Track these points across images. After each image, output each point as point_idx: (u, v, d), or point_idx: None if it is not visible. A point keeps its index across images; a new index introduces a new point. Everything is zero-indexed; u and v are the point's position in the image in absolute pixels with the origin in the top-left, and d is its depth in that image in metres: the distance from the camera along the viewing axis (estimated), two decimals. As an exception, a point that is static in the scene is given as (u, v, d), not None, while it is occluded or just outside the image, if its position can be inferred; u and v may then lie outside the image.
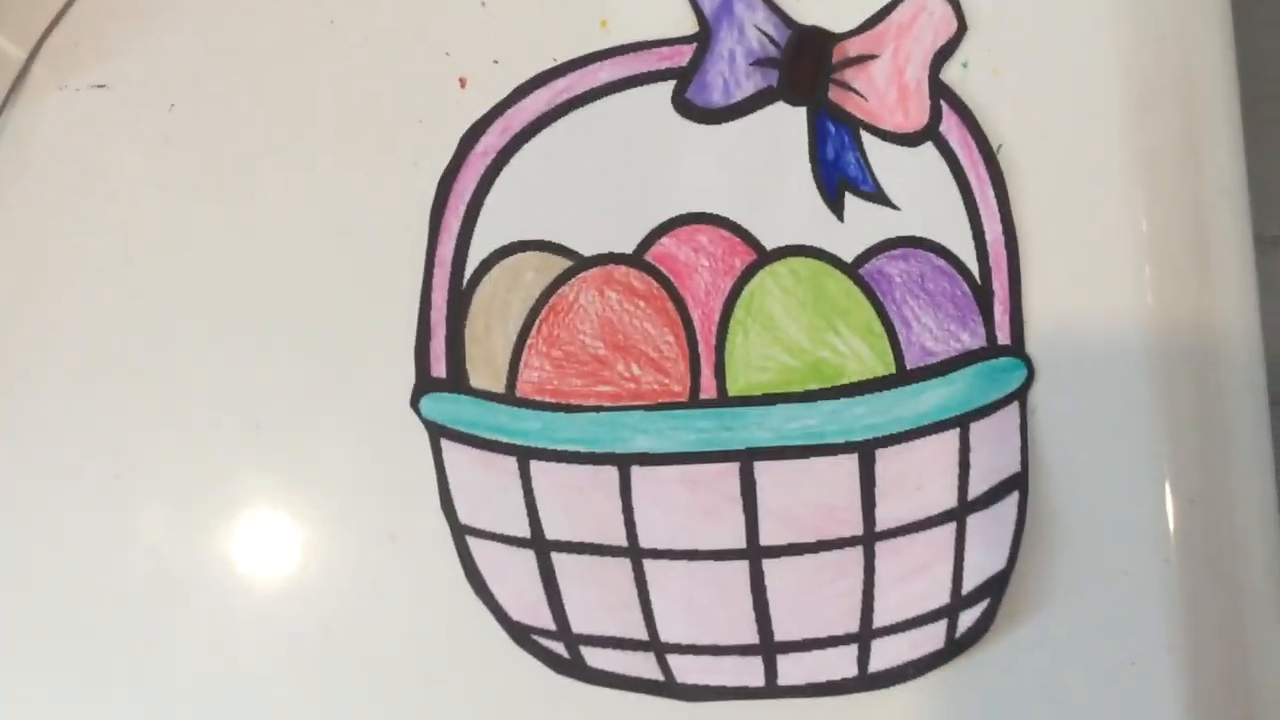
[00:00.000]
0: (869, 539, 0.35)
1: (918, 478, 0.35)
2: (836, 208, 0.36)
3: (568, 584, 0.36)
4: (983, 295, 0.36)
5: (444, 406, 0.36)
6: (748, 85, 0.36)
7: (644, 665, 0.36)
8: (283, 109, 0.38)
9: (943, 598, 0.35)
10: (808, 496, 0.35)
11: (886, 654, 0.35)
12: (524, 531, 0.36)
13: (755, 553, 0.35)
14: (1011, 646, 0.35)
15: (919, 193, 0.36)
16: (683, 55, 0.36)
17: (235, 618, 0.37)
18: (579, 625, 0.36)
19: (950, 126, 0.36)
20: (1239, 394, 0.36)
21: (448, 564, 0.36)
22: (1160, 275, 0.35)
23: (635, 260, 0.36)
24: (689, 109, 0.36)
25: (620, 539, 0.35)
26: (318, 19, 0.38)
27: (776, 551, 0.35)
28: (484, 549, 0.36)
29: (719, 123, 0.36)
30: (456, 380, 0.36)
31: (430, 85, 0.37)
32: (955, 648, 0.35)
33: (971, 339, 0.35)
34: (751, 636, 0.35)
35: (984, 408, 0.35)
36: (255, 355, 0.37)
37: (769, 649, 0.36)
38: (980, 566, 0.35)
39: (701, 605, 0.35)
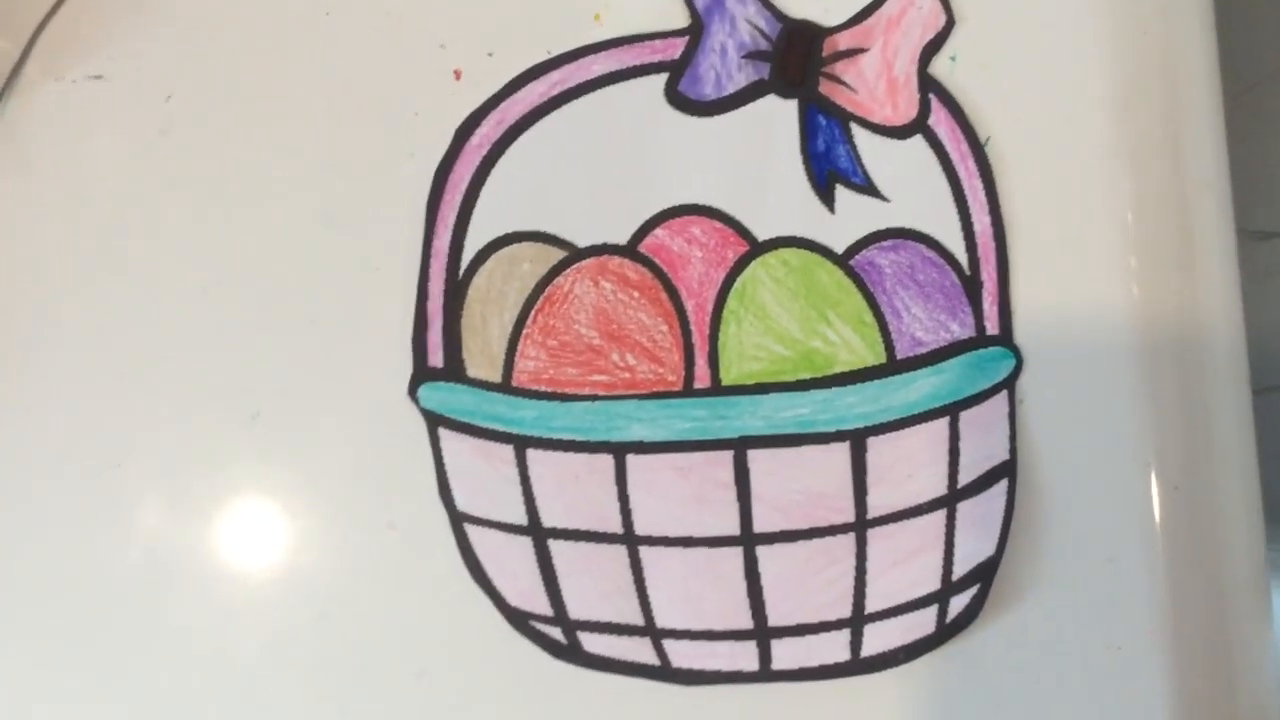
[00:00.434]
0: (860, 526, 0.35)
1: (908, 466, 0.35)
2: (827, 199, 0.36)
3: (564, 571, 0.36)
4: (972, 286, 0.36)
5: (441, 396, 0.36)
6: (739, 78, 0.36)
7: (640, 650, 0.36)
8: (279, 101, 0.38)
9: (933, 584, 0.36)
10: (800, 484, 0.35)
11: (878, 639, 0.36)
12: (521, 519, 0.36)
13: (749, 539, 0.35)
14: (1000, 631, 0.36)
15: (908, 185, 0.36)
16: (675, 48, 0.37)
17: (234, 606, 0.37)
18: (576, 611, 0.36)
19: (939, 119, 0.36)
20: (1223, 383, 0.36)
21: (446, 552, 0.36)
22: (1145, 266, 0.36)
23: (629, 251, 0.36)
24: (681, 101, 0.36)
25: (616, 526, 0.36)
26: (313, 11, 0.38)
27: (770, 538, 0.35)
28: (482, 536, 0.36)
29: (711, 115, 0.36)
30: (453, 370, 0.36)
31: (425, 77, 0.37)
32: (946, 632, 0.36)
33: (961, 329, 0.36)
34: (746, 622, 0.36)
35: (973, 397, 0.35)
36: (252, 345, 0.37)
37: (763, 634, 0.36)
38: (970, 553, 0.36)
39: (696, 591, 0.36)
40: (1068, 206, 0.36)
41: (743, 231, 0.36)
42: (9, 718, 0.38)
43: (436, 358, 0.36)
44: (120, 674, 0.37)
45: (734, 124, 0.36)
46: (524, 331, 0.36)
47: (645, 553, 0.36)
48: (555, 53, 0.37)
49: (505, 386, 0.36)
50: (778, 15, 0.36)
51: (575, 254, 0.36)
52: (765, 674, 0.36)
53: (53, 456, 0.38)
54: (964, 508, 0.36)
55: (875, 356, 0.36)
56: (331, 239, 0.37)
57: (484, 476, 0.36)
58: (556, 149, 0.37)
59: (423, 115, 0.37)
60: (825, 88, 0.36)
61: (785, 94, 0.36)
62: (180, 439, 0.38)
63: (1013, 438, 0.36)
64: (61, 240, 0.38)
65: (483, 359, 0.36)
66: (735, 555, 0.35)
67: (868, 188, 0.36)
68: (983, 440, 0.36)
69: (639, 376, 0.36)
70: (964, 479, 0.36)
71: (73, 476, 0.38)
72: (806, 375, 0.35)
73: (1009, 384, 0.36)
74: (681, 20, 0.37)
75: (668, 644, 0.36)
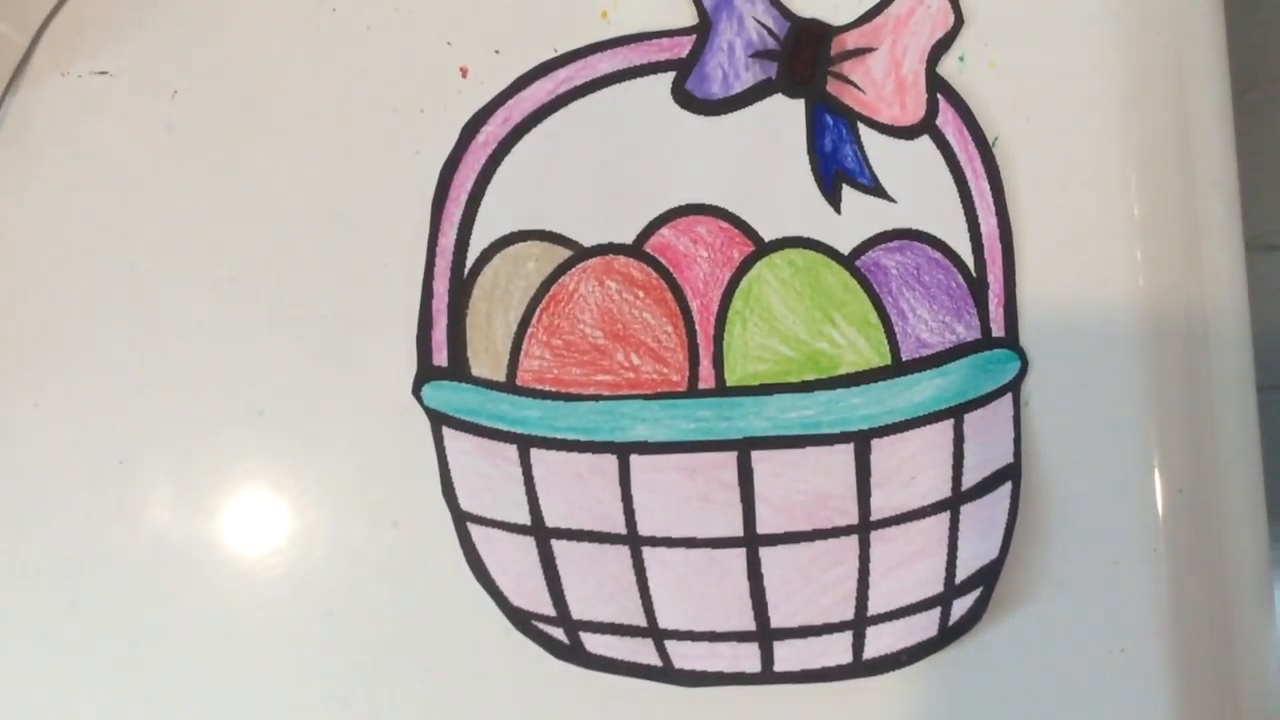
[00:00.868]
0: (864, 528, 0.35)
1: (912, 468, 0.35)
2: (834, 200, 0.36)
3: (567, 570, 0.36)
4: (977, 287, 0.36)
5: (445, 394, 0.36)
6: (747, 77, 0.36)
7: (642, 651, 0.36)
8: (285, 97, 0.38)
9: (936, 586, 0.36)
10: (804, 485, 0.35)
11: (881, 641, 0.36)
12: (524, 519, 0.36)
13: (752, 540, 0.35)
14: (1003, 634, 0.36)
15: (915, 185, 0.36)
16: (683, 47, 0.36)
17: (238, 602, 0.37)
18: (578, 611, 0.36)
19: (946, 119, 0.36)
20: (1228, 385, 0.36)
21: (449, 550, 0.36)
22: (1151, 268, 0.36)
23: (635, 250, 0.36)
24: (688, 100, 0.36)
25: (619, 526, 0.36)
26: (320, 7, 0.38)
27: (773, 539, 0.35)
28: (485, 536, 0.36)
29: (718, 114, 0.36)
30: (458, 369, 0.36)
31: (432, 75, 0.37)
32: (949, 635, 0.36)
33: (966, 331, 0.36)
34: (748, 623, 0.36)
35: (978, 399, 0.35)
36: (258, 342, 0.37)
37: (765, 635, 0.36)
38: (973, 556, 0.36)
39: (699, 592, 0.36)
40: (1075, 207, 0.36)
41: (749, 231, 0.36)
42: (16, 712, 0.38)
43: (441, 356, 0.37)
44: (125, 669, 0.38)
45: (741, 123, 0.36)
46: (529, 331, 0.36)
47: (648, 553, 0.36)
48: (562, 51, 0.37)
49: (509, 386, 0.36)
50: (786, 14, 0.36)
51: (580, 253, 0.36)
52: (767, 675, 0.36)
53: (58, 451, 0.38)
54: (968, 510, 0.36)
55: (880, 358, 0.35)
56: (336, 236, 0.37)
57: (487, 476, 0.36)
58: (562, 147, 0.37)
59: (429, 112, 0.37)
60: (833, 87, 0.36)
61: (793, 93, 0.36)
62: (184, 435, 0.38)
63: (1017, 440, 0.36)
64: (67, 235, 0.39)
65: (487, 358, 0.36)
66: (738, 556, 0.35)
67: (874, 188, 0.36)
68: (987, 443, 0.35)
69: (643, 376, 0.36)
70: (968, 481, 0.35)
71: (78, 472, 0.38)
72: (811, 376, 0.35)
73: (1014, 386, 0.36)
74: (689, 18, 0.37)
75: (670, 645, 0.36)
